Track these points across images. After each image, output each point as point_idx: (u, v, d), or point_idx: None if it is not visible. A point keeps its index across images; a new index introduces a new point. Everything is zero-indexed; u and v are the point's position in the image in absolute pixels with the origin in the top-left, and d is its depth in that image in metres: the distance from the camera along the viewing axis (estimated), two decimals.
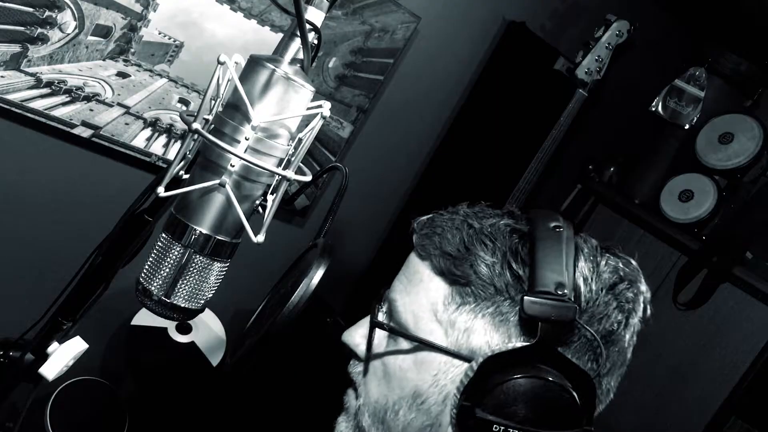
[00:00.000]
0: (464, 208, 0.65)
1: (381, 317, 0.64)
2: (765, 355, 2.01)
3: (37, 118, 1.66)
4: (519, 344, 0.55)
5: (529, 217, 0.62)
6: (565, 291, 0.54)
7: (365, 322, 0.66)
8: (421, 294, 0.61)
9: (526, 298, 0.54)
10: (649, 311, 0.61)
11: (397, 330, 0.61)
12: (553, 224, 0.59)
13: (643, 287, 0.61)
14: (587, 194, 2.75)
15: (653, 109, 2.51)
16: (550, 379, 0.53)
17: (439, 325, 0.59)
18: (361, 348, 0.65)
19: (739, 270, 2.12)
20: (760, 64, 2.40)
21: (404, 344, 0.61)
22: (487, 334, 0.57)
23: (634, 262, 0.62)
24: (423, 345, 0.59)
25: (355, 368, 0.66)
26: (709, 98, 2.43)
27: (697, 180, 2.36)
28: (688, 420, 2.14)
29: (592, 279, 0.58)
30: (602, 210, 2.66)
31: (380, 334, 0.64)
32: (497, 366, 0.54)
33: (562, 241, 0.58)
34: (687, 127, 2.45)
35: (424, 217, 0.66)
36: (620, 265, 0.60)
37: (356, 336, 0.66)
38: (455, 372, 0.58)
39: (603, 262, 0.59)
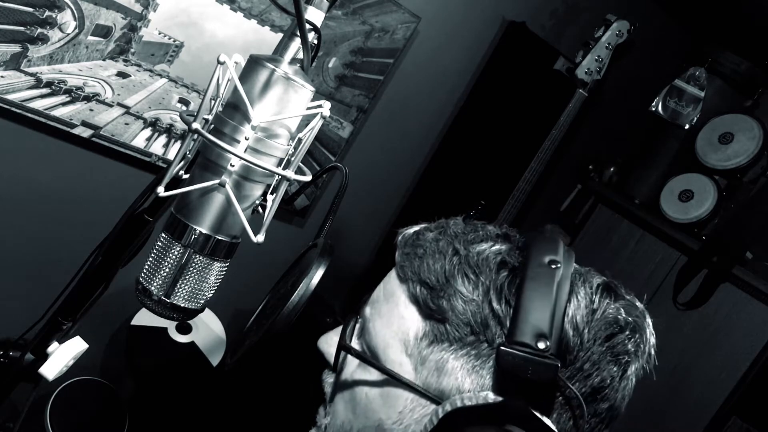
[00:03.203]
0: (456, 226, 0.58)
1: (357, 331, 0.60)
2: (765, 355, 2.01)
3: (37, 118, 1.66)
4: (490, 398, 0.49)
5: (525, 244, 0.55)
6: (548, 343, 0.48)
7: None
8: (394, 320, 0.56)
9: (501, 348, 0.48)
10: (653, 360, 0.54)
11: (365, 358, 0.57)
12: (548, 258, 0.52)
13: (648, 334, 0.54)
14: (587, 194, 2.76)
15: (653, 109, 2.51)
16: None
17: (409, 359, 0.54)
18: (333, 359, 0.61)
19: (739, 270, 2.12)
20: (760, 64, 2.40)
21: (373, 371, 0.56)
22: (459, 378, 0.52)
23: (639, 304, 0.55)
24: (391, 378, 0.54)
25: (328, 378, 0.62)
26: (709, 98, 2.43)
27: (697, 180, 2.36)
28: (688, 420, 2.14)
29: (584, 328, 0.51)
30: (602, 210, 2.66)
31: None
32: (463, 420, 0.49)
33: (554, 280, 0.51)
34: (687, 127, 2.45)
35: (410, 231, 0.60)
36: (622, 313, 0.53)
37: (332, 345, 0.62)
38: (422, 412, 0.53)
39: (602, 308, 0.52)
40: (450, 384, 0.52)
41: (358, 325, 0.61)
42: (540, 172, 2.10)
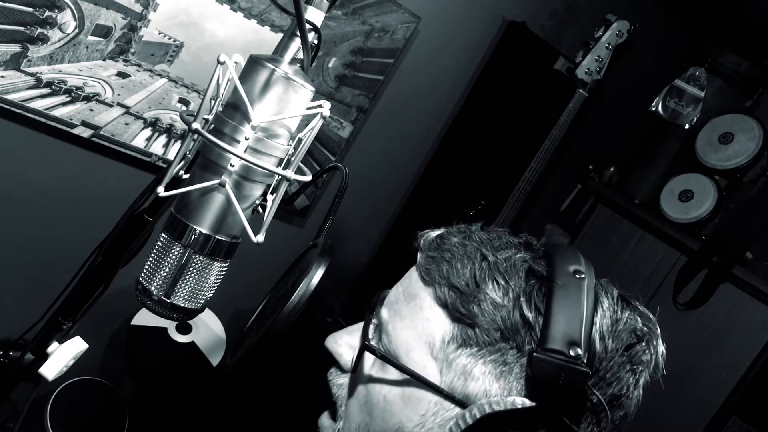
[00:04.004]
0: (479, 232, 0.58)
1: (371, 331, 0.59)
2: (765, 355, 2.01)
3: (37, 118, 1.66)
4: (519, 403, 0.50)
5: (548, 253, 0.57)
6: (579, 351, 0.49)
7: (353, 330, 0.62)
8: (418, 322, 0.56)
9: (534, 355, 0.49)
10: (661, 370, 0.56)
11: (389, 359, 0.56)
12: (573, 268, 0.54)
13: (660, 347, 0.56)
14: (587, 194, 2.76)
15: (653, 109, 2.51)
16: None
17: (434, 362, 0.54)
18: (344, 359, 0.60)
19: (739, 270, 2.12)
20: (760, 64, 2.40)
21: (393, 373, 0.56)
22: (486, 382, 0.52)
23: (653, 317, 0.57)
24: (414, 379, 0.54)
25: (336, 379, 0.62)
26: (709, 98, 2.43)
27: (697, 180, 2.36)
28: (688, 420, 2.14)
29: (608, 337, 0.52)
30: (602, 210, 2.66)
31: (368, 354, 0.58)
32: (494, 425, 0.49)
33: (583, 291, 0.52)
34: (687, 127, 2.45)
35: (433, 234, 0.60)
36: (639, 323, 0.55)
37: (341, 344, 0.62)
38: (445, 416, 0.53)
39: (623, 319, 0.54)
40: (477, 388, 0.52)
41: (372, 326, 0.60)
42: (540, 172, 2.10)
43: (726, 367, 2.09)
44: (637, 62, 2.64)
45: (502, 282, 0.53)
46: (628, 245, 2.50)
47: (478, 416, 0.50)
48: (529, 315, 0.52)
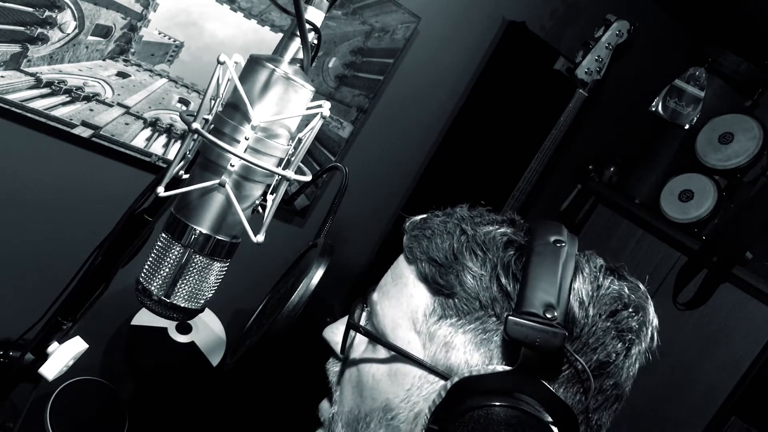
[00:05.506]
0: (462, 210, 0.60)
1: (363, 318, 0.61)
2: (765, 355, 2.01)
3: (37, 118, 1.66)
4: (499, 368, 0.50)
5: (530, 228, 0.57)
6: (555, 314, 0.49)
7: None
8: (403, 300, 0.57)
9: (510, 318, 0.49)
10: (656, 341, 0.55)
11: (372, 334, 0.57)
12: (553, 238, 0.54)
13: (651, 315, 0.55)
14: (587, 194, 2.76)
15: (653, 109, 2.51)
16: (527, 410, 0.48)
17: (418, 336, 0.55)
18: (339, 347, 0.62)
19: (739, 270, 2.12)
20: (760, 64, 2.40)
21: (381, 352, 0.57)
22: (467, 352, 0.53)
23: (642, 286, 0.57)
24: (399, 355, 0.55)
25: (333, 367, 0.64)
26: (709, 98, 2.43)
27: (697, 180, 2.36)
28: (688, 420, 2.14)
29: (589, 303, 0.52)
30: (602, 210, 2.66)
31: (360, 338, 0.60)
32: (471, 390, 0.50)
33: (560, 257, 0.52)
34: (687, 127, 2.45)
35: (418, 218, 0.62)
36: (625, 290, 0.54)
37: (337, 333, 0.63)
38: (429, 389, 0.54)
39: (605, 285, 0.54)
40: (458, 359, 0.53)
41: (364, 313, 0.61)
42: (540, 172, 2.10)
43: (726, 367, 2.09)
44: (637, 62, 2.64)
45: (479, 253, 0.54)
46: (628, 245, 2.50)
47: (457, 381, 0.51)
48: (507, 283, 0.52)
